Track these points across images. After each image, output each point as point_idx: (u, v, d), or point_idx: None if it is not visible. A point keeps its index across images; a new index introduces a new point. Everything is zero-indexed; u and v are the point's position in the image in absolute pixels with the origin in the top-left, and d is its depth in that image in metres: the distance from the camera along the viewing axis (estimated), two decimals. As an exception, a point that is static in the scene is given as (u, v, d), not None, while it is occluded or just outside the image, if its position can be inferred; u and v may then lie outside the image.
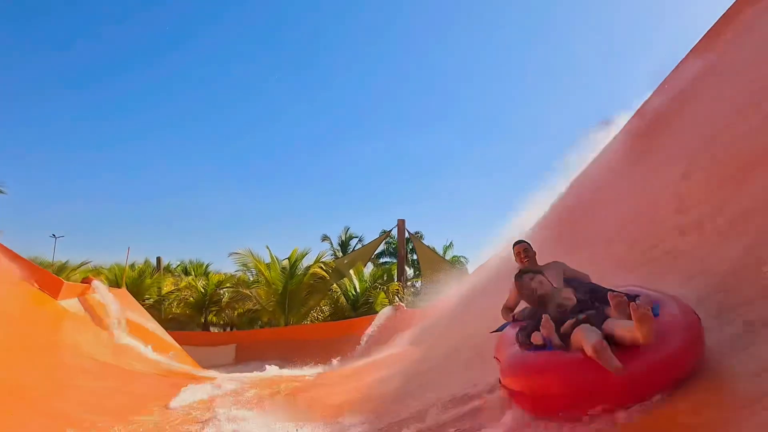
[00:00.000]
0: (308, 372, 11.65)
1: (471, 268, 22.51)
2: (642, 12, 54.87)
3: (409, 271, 27.18)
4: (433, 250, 23.55)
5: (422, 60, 57.58)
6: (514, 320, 3.81)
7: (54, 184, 47.87)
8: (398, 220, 18.33)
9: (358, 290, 19.15)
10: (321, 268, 19.22)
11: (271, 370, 11.71)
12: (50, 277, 10.25)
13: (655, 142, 8.42)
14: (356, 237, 28.67)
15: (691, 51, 9.31)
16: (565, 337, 2.74)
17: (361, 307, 18.60)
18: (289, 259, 19.93)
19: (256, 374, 11.27)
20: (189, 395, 7.01)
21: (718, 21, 9.01)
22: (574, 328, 2.68)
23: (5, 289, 8.73)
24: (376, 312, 16.50)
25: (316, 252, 20.95)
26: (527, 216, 12.02)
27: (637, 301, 2.40)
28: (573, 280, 3.40)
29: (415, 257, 24.55)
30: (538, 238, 10.28)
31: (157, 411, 5.99)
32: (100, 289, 11.75)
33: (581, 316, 2.77)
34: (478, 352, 6.30)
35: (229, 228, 49.15)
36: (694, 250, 4.42)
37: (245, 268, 21.26)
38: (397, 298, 17.66)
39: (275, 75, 53.91)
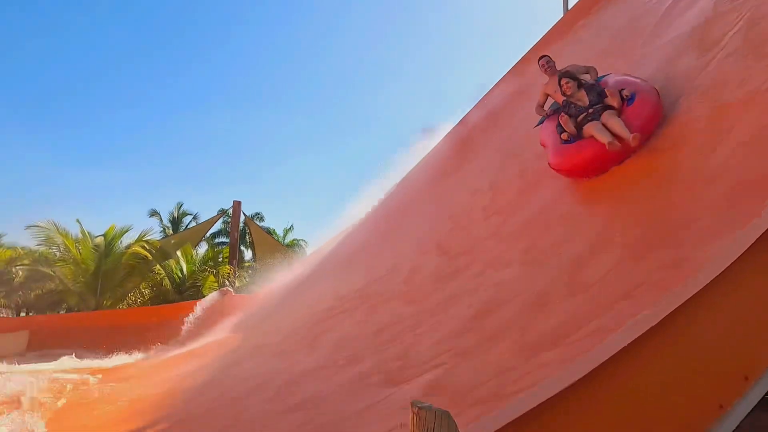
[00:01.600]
0: (117, 361, 10.60)
1: (310, 251, 22.71)
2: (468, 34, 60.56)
3: (248, 254, 26.33)
4: (272, 233, 23.14)
5: (270, 40, 55.72)
6: (548, 115, 5.28)
7: None
8: (234, 201, 17.54)
9: (185, 272, 17.89)
10: (144, 247, 17.49)
11: (65, 361, 10.37)
12: None
13: (470, 153, 9.41)
14: (190, 214, 26.76)
15: (506, 74, 10.55)
16: (580, 127, 4.51)
17: (188, 290, 17.43)
18: (104, 235, 17.76)
19: (50, 365, 9.89)
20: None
21: (529, 51, 10.34)
22: (586, 122, 4.45)
23: None
24: (204, 296, 15.66)
25: (139, 230, 19.01)
26: (360, 207, 12.52)
27: (624, 93, 4.37)
28: (587, 86, 4.75)
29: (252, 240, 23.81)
30: (366, 229, 10.80)
31: None
32: None
33: (590, 110, 4.47)
34: (295, 341, 6.38)
35: (33, 196, 42.01)
36: (488, 252, 5.03)
37: (50, 244, 18.34)
38: (227, 282, 16.95)
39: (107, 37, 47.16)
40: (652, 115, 4.22)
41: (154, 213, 26.37)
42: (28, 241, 18.86)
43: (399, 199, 10.49)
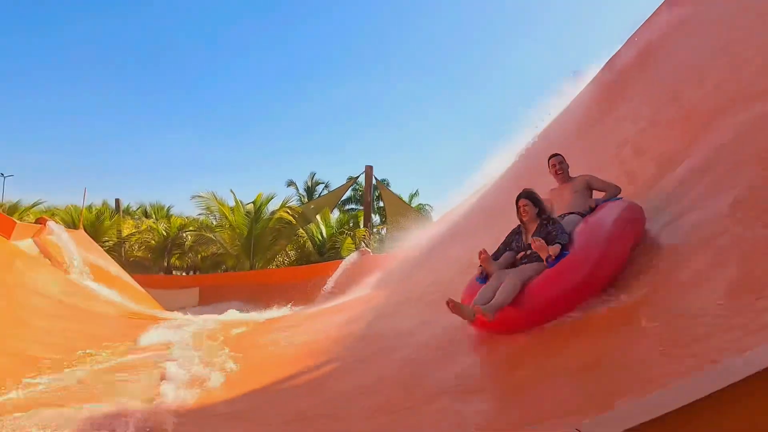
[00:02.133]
0: (273, 314, 11.76)
1: (435, 215, 22.89)
2: (617, -40, 54.17)
3: (375, 218, 27.37)
4: (399, 198, 23.62)
5: (397, 2, 55.58)
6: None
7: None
8: (366, 166, 18.20)
9: (324, 235, 19.16)
10: (287, 212, 19.02)
11: (232, 313, 11.78)
12: (1, 217, 9.80)
13: (621, 94, 8.52)
14: (322, 183, 28.42)
15: (663, 4, 9.30)
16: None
17: (328, 252, 18.68)
18: (254, 203, 19.60)
19: (221, 316, 11.31)
20: (152, 337, 7.00)
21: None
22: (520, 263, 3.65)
23: (-49, 228, 8.34)
24: (343, 257, 16.61)
25: (281, 197, 20.72)
26: (495, 165, 12.14)
27: (549, 254, 3.32)
28: (544, 219, 3.74)
29: (381, 204, 24.62)
30: (505, 186, 10.46)
31: (119, 351, 5.96)
32: (55, 230, 11.31)
33: (527, 252, 3.65)
34: (438, 296, 6.49)
35: (190, 171, 48.09)
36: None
37: (208, 212, 20.86)
38: (363, 244, 17.78)
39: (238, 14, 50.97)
40: (551, 299, 3.19)
41: (291, 183, 28.57)
42: (192, 210, 21.61)
43: (539, 154, 9.95)
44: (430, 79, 58.75)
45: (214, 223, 21.42)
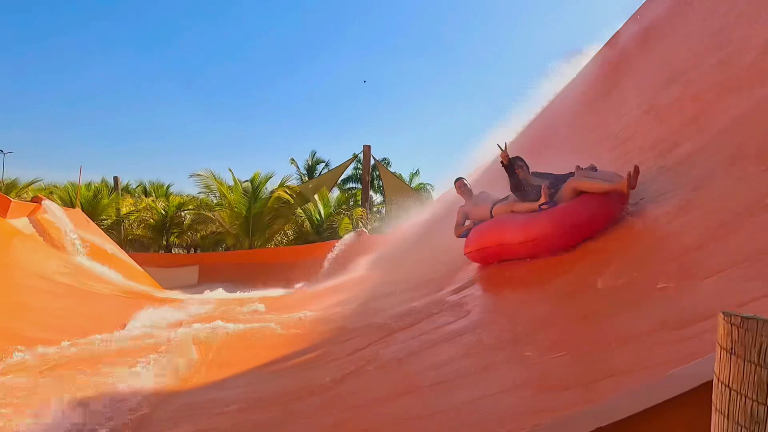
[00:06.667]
0: (271, 293, 11.81)
1: (436, 195, 22.83)
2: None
3: (377, 197, 27.30)
4: (399, 177, 23.52)
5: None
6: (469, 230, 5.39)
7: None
8: (364, 145, 18.10)
9: (322, 215, 19.12)
10: (285, 191, 18.95)
11: (220, 293, 11.92)
12: (-4, 195, 9.78)
13: (622, 75, 8.39)
14: (323, 162, 28.27)
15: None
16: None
17: (325, 231, 18.67)
18: (251, 181, 19.52)
19: (215, 295, 11.39)
20: (147, 317, 7.03)
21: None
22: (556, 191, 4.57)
23: (-55, 207, 8.32)
24: (340, 237, 16.62)
25: (280, 176, 20.62)
26: (492, 144, 12.02)
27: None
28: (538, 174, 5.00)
29: (382, 183, 24.50)
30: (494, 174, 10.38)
31: (116, 331, 6.01)
32: (51, 209, 11.29)
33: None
34: (431, 277, 6.52)
35: (190, 149, 47.92)
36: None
37: (208, 191, 20.79)
38: (360, 224, 17.77)
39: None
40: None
41: (292, 161, 28.43)
42: (191, 188, 21.50)
43: (538, 133, 9.85)
44: (431, 58, 57.97)
45: (214, 201, 21.39)
